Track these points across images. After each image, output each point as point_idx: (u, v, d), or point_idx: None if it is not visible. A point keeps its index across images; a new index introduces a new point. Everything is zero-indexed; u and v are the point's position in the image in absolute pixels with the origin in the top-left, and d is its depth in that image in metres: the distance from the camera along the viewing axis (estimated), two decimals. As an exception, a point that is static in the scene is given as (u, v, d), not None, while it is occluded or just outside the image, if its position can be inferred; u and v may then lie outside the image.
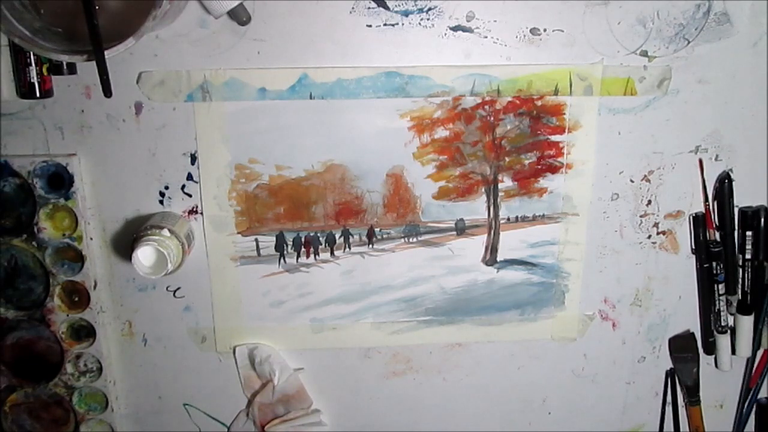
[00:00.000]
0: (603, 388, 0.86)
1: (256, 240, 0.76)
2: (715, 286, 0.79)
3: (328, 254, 0.77)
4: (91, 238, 0.73)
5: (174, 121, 0.71)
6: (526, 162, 0.75)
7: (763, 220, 0.78)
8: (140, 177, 0.73)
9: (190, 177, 0.73)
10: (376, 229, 0.77)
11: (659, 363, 0.85)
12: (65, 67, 0.67)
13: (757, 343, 0.82)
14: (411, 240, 0.77)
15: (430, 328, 0.81)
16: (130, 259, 0.66)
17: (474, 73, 0.71)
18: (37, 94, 0.67)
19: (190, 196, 0.74)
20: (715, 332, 0.82)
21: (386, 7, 0.69)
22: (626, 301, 0.82)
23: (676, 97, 0.74)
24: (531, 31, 0.70)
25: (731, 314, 0.82)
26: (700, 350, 0.84)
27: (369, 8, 0.68)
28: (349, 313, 0.80)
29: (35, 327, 0.76)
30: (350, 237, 0.77)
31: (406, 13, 0.69)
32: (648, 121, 0.74)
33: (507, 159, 0.75)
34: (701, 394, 0.84)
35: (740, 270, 0.80)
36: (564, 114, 0.73)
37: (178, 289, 0.77)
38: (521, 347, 0.83)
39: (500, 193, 0.76)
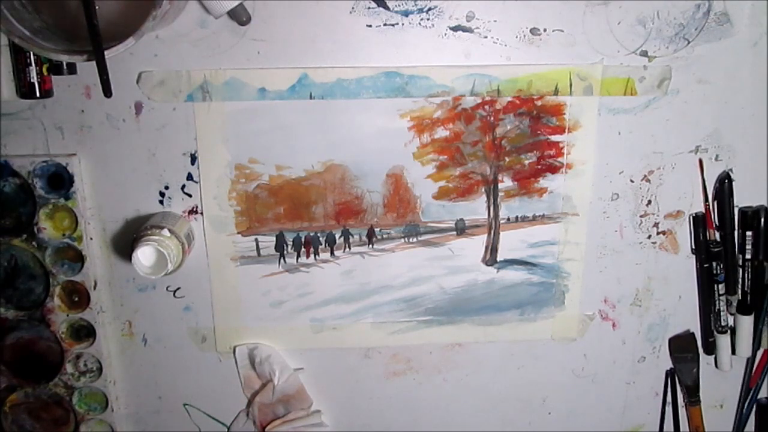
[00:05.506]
0: (603, 388, 0.86)
1: (256, 240, 0.76)
2: (715, 286, 0.79)
3: (328, 254, 0.77)
4: (91, 238, 0.74)
5: (174, 121, 0.71)
6: (526, 162, 0.75)
7: (763, 220, 0.78)
8: (140, 177, 0.73)
9: (190, 177, 0.73)
10: (376, 229, 0.77)
11: (659, 363, 0.85)
12: (65, 67, 0.67)
13: (757, 343, 0.82)
14: (411, 240, 0.77)
15: (430, 328, 0.81)
16: (130, 259, 0.66)
17: (474, 73, 0.71)
18: (37, 94, 0.67)
19: (190, 196, 0.74)
20: (715, 332, 0.82)
21: (386, 7, 0.68)
22: (626, 301, 0.82)
23: (676, 97, 0.74)
24: (531, 31, 0.70)
25: (731, 314, 0.81)
26: (700, 350, 0.84)
27: (369, 8, 0.68)
28: (349, 313, 0.80)
29: (35, 327, 0.76)
30: (350, 237, 0.77)
31: (406, 13, 0.69)
32: (648, 121, 0.74)
33: (507, 159, 0.75)
34: (701, 394, 0.84)
35: (740, 270, 0.80)
36: (564, 114, 0.73)
37: (178, 289, 0.77)
38: (521, 347, 0.83)
39: (500, 193, 0.76)
